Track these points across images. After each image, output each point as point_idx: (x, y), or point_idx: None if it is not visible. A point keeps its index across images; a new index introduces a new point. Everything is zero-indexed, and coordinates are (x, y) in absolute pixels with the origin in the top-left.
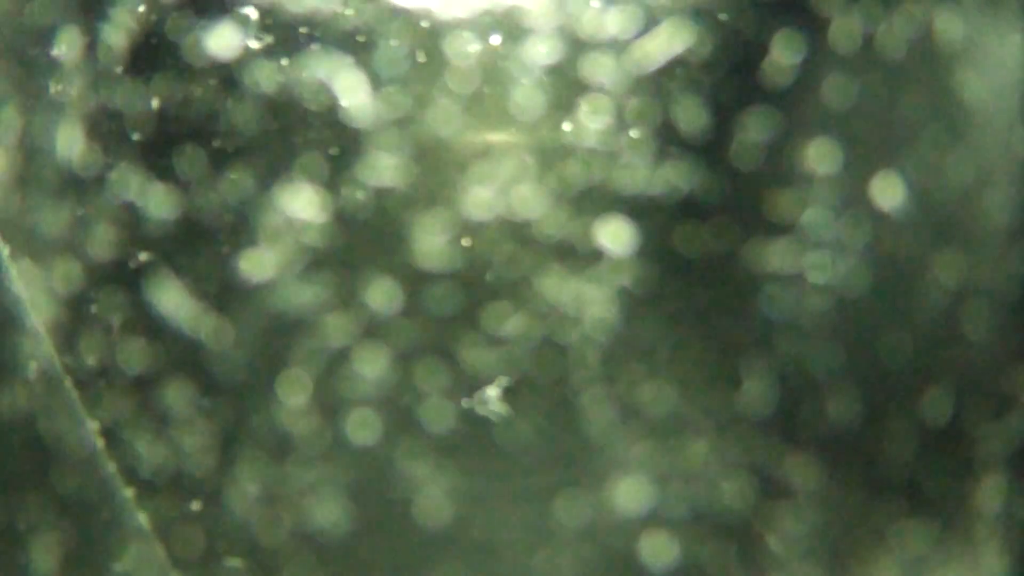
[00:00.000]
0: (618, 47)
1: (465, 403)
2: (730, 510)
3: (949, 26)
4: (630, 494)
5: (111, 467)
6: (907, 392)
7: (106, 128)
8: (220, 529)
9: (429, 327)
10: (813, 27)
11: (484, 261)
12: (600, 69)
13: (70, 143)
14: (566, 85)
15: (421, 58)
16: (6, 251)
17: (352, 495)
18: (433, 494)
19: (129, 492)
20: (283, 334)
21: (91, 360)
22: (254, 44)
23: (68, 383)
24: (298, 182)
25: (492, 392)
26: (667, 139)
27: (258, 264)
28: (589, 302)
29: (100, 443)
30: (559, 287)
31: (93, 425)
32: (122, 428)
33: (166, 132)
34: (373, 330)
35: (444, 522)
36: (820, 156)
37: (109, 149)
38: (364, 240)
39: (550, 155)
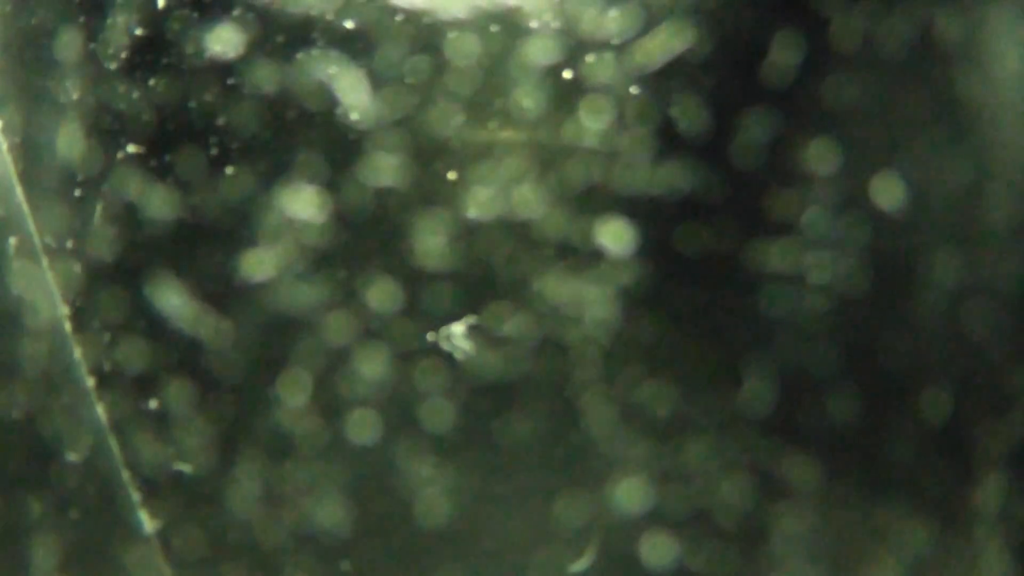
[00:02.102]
0: (618, 47)
1: (430, 336)
2: (730, 510)
3: (949, 25)
4: (630, 494)
5: (114, 467)
6: (907, 392)
7: (106, 128)
8: (220, 529)
9: (429, 327)
10: (813, 27)
11: (484, 261)
12: (600, 69)
13: (70, 143)
14: (566, 85)
15: (421, 58)
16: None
17: (352, 495)
18: (433, 494)
19: (132, 493)
20: (283, 334)
21: (91, 360)
22: (254, 44)
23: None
24: (298, 182)
25: (457, 329)
26: (667, 139)
27: (258, 264)
28: (589, 302)
29: (103, 443)
30: (559, 287)
31: (96, 424)
32: (123, 428)
33: (166, 132)
34: (373, 330)
35: (444, 522)
36: (820, 156)
37: (109, 149)
38: (364, 240)
39: (550, 155)
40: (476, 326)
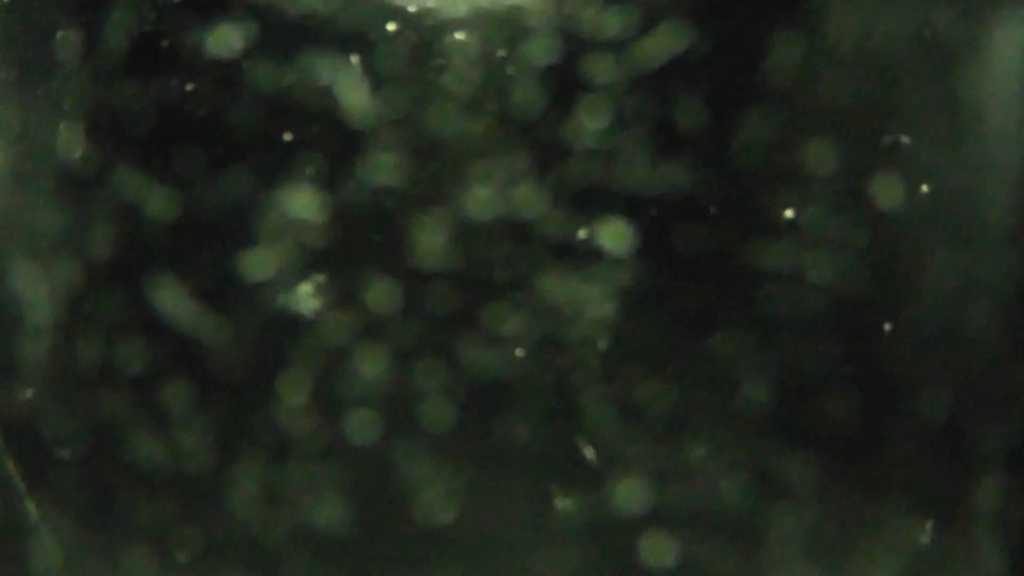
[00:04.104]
0: (618, 47)
1: (280, 300)
2: (730, 510)
3: (950, 25)
4: (630, 494)
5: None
6: (907, 392)
7: (106, 128)
8: (219, 529)
9: (429, 327)
10: (813, 27)
11: (484, 261)
12: (600, 69)
13: (70, 143)
14: (566, 85)
15: (421, 58)
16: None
17: (352, 495)
18: (433, 494)
19: (19, 483)
20: (283, 334)
21: (90, 360)
22: (254, 44)
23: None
24: (298, 182)
25: (304, 289)
26: (667, 139)
27: (258, 264)
28: (589, 302)
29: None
30: (559, 287)
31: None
32: (121, 428)
33: (166, 132)
34: (373, 330)
35: (444, 522)
36: (820, 156)
37: (109, 149)
38: (364, 240)
39: (550, 155)
40: (323, 284)
